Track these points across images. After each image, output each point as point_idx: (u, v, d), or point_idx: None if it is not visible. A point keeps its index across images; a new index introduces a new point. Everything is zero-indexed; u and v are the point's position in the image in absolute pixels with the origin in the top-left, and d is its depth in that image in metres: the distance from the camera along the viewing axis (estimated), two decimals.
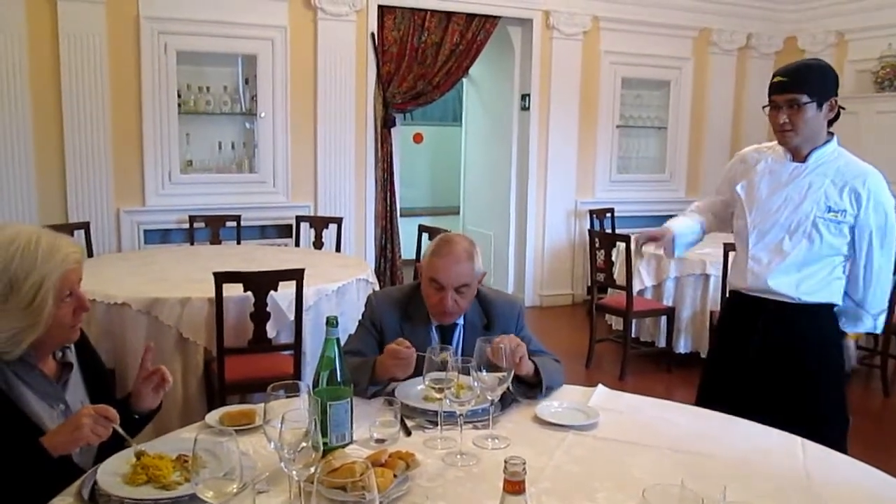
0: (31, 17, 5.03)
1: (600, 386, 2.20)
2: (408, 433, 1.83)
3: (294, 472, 1.38)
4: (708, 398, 2.64)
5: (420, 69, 6.21)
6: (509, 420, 1.94)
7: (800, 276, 2.46)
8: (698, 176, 7.55)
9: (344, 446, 1.68)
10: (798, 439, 1.85)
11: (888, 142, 5.87)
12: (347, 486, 1.33)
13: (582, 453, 1.76)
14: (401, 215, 6.53)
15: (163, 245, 5.56)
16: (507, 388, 1.83)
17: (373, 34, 6.00)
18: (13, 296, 1.59)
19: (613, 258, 5.35)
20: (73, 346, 1.83)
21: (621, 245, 4.96)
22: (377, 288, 4.23)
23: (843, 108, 2.45)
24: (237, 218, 5.46)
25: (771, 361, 2.53)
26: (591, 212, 6.78)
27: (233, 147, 5.92)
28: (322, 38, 5.84)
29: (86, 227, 4.99)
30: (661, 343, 5.24)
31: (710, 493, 1.22)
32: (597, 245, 5.24)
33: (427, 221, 5.98)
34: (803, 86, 2.34)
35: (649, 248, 2.52)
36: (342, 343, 1.79)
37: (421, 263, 2.28)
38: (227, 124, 5.89)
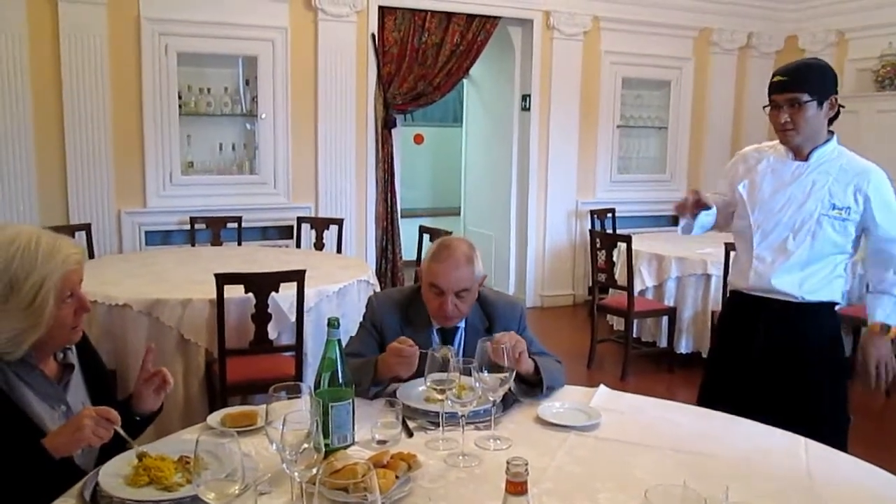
0: (32, 17, 5.03)
1: (602, 386, 2.20)
2: (409, 434, 1.83)
3: (296, 474, 1.38)
4: (709, 398, 2.64)
5: (420, 70, 6.21)
6: (511, 421, 1.94)
7: (803, 275, 2.46)
8: (699, 176, 7.54)
9: (346, 447, 1.68)
10: (800, 439, 1.85)
11: (889, 141, 5.86)
12: (349, 487, 1.33)
13: (584, 454, 1.76)
14: (401, 216, 6.53)
15: (164, 246, 5.56)
16: (509, 389, 1.83)
17: (373, 35, 6.01)
18: (14, 296, 1.59)
19: (614, 258, 5.35)
20: (74, 348, 1.83)
21: (622, 245, 4.96)
22: (378, 289, 4.23)
23: (843, 107, 2.46)
24: (238, 219, 5.46)
25: (772, 361, 2.53)
26: (592, 212, 6.78)
27: (233, 148, 5.92)
28: (322, 39, 5.85)
29: (87, 228, 5.00)
30: (663, 343, 5.24)
31: (712, 494, 1.21)
32: (598, 245, 5.24)
33: (428, 222, 5.99)
34: (803, 85, 2.35)
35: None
36: (343, 345, 1.79)
37: (421, 268, 2.28)
38: (227, 125, 5.89)
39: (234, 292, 3.30)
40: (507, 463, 1.17)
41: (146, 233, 5.56)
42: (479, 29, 6.36)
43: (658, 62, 7.19)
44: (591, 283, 5.49)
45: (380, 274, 6.22)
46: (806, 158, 2.48)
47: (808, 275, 2.46)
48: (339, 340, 1.72)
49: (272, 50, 5.72)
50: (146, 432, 1.89)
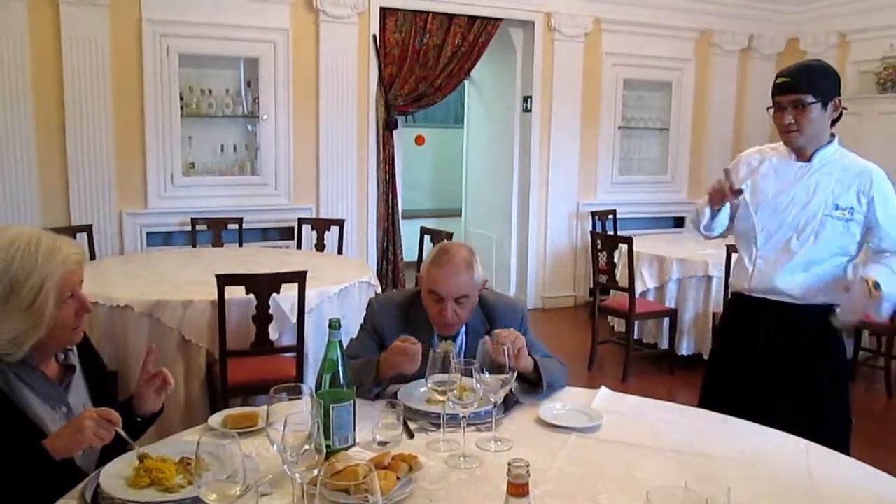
0: (34, 20, 5.04)
1: (603, 388, 2.20)
2: (410, 435, 1.83)
3: (297, 475, 1.38)
4: (711, 400, 2.64)
5: (422, 71, 6.22)
6: (512, 422, 1.94)
7: (806, 276, 2.46)
8: (700, 177, 7.53)
9: (347, 449, 1.68)
10: (802, 441, 1.85)
11: (890, 142, 5.86)
12: (351, 488, 1.33)
13: (585, 455, 1.76)
14: (402, 217, 6.53)
15: (165, 247, 5.57)
16: (510, 391, 1.83)
17: (375, 36, 6.01)
18: (14, 297, 1.59)
19: (616, 260, 5.35)
20: (75, 349, 1.83)
21: (623, 247, 4.96)
22: (379, 290, 4.23)
23: (846, 109, 2.46)
24: (239, 220, 5.46)
25: (774, 362, 2.53)
26: (593, 213, 6.78)
27: (235, 149, 5.92)
28: (324, 40, 5.85)
29: (88, 229, 5.00)
30: (664, 345, 5.23)
31: (713, 495, 1.21)
32: (599, 247, 5.23)
33: (429, 223, 5.98)
34: (808, 86, 2.36)
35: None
36: (344, 346, 1.79)
37: (420, 273, 2.26)
38: (229, 127, 5.90)
39: (236, 293, 3.30)
40: (509, 464, 1.17)
41: (147, 234, 5.56)
42: (481, 30, 6.37)
43: (659, 64, 7.19)
44: (592, 285, 5.49)
45: (381, 275, 6.23)
46: (809, 159, 2.48)
47: (811, 276, 2.46)
48: (340, 342, 1.72)
49: (273, 51, 5.72)
50: (147, 433, 1.89)
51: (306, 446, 1.36)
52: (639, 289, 5.07)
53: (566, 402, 2.05)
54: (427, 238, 5.00)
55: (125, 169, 5.42)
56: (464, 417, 1.76)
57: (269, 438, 1.45)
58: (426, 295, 2.19)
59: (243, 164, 5.91)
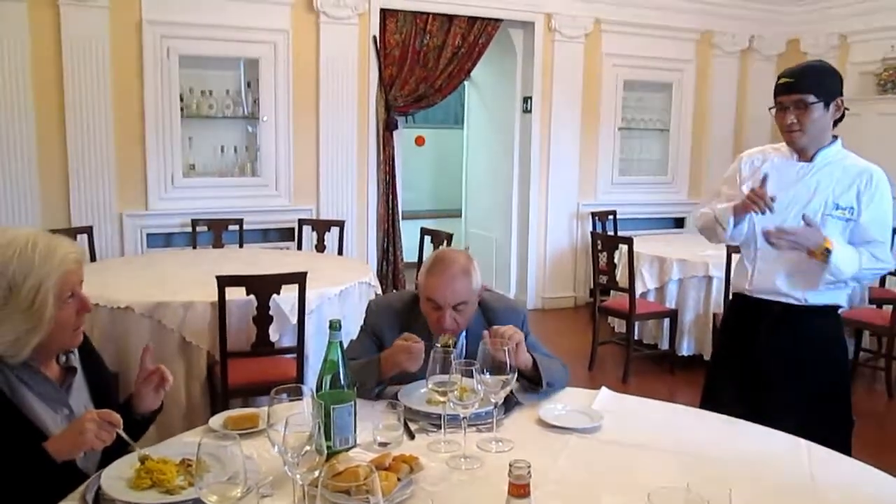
0: (34, 21, 5.04)
1: (604, 388, 2.20)
2: (411, 436, 1.83)
3: (298, 476, 1.38)
4: (712, 400, 2.64)
5: (422, 72, 6.22)
6: (513, 423, 1.94)
7: (806, 277, 2.45)
8: (700, 178, 7.54)
9: (347, 450, 1.68)
10: (803, 442, 1.85)
11: (891, 144, 5.85)
12: (352, 489, 1.33)
13: (586, 456, 1.76)
14: (403, 218, 6.53)
15: (165, 249, 5.57)
16: (510, 391, 1.82)
17: (375, 37, 6.01)
18: (13, 299, 1.59)
19: (616, 260, 5.35)
20: (76, 351, 1.83)
21: (624, 247, 4.96)
22: (379, 291, 4.23)
23: (848, 109, 2.47)
24: (239, 221, 5.47)
25: (775, 363, 2.53)
26: (593, 214, 6.78)
27: (235, 151, 5.93)
28: (324, 41, 5.85)
29: (89, 231, 5.00)
30: (664, 345, 5.23)
31: (715, 497, 1.21)
32: (599, 247, 5.23)
33: (429, 224, 5.98)
34: (810, 86, 2.37)
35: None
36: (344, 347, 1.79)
37: (418, 280, 2.25)
38: (229, 128, 5.90)
39: (236, 294, 3.30)
40: (510, 465, 1.17)
41: (148, 235, 5.56)
42: (481, 31, 6.37)
43: (660, 64, 7.19)
44: (592, 286, 5.49)
45: (381, 276, 6.23)
46: (810, 159, 2.48)
47: (812, 277, 2.45)
48: (340, 342, 1.72)
49: (274, 52, 5.72)
50: (148, 435, 1.89)
51: (307, 447, 1.36)
52: (639, 289, 5.07)
53: (567, 403, 2.05)
54: (427, 239, 4.99)
55: (125, 170, 5.42)
56: (464, 418, 1.76)
57: (270, 440, 1.45)
58: (424, 302, 2.18)
59: (243, 166, 5.91)
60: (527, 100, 6.86)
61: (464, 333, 2.23)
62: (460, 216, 8.29)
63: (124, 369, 3.32)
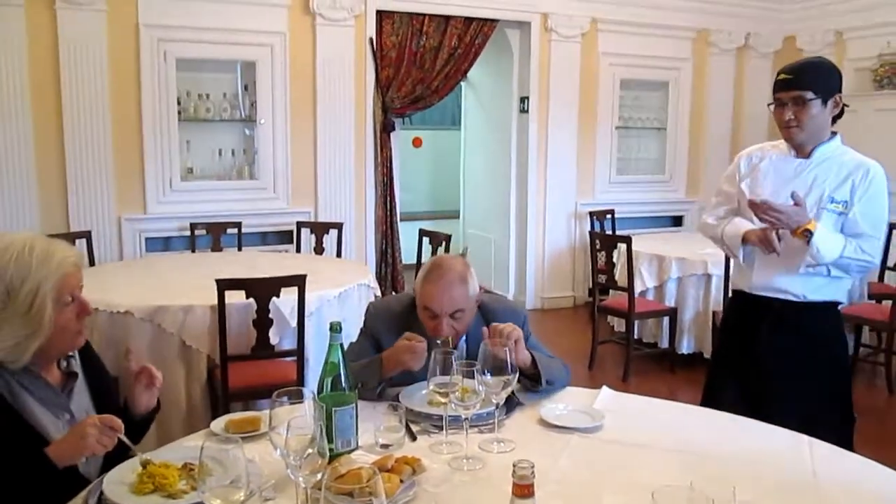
0: (31, 25, 5.03)
1: (605, 388, 2.20)
2: (413, 438, 1.83)
3: (301, 479, 1.38)
4: (713, 398, 2.65)
5: (419, 73, 6.22)
6: (514, 423, 1.93)
7: (805, 274, 2.46)
8: (698, 176, 7.55)
9: (349, 452, 1.67)
10: (804, 438, 1.85)
11: (887, 140, 5.87)
12: (355, 492, 1.32)
13: (588, 456, 1.75)
14: (401, 219, 6.53)
15: (164, 253, 5.57)
16: (511, 392, 1.82)
17: (371, 39, 6.01)
18: (11, 303, 1.59)
19: (614, 259, 5.35)
20: (77, 356, 1.83)
21: (622, 246, 4.96)
22: (378, 293, 4.23)
23: (847, 106, 2.47)
24: (238, 224, 5.46)
25: (776, 361, 2.53)
26: (592, 213, 6.78)
27: (233, 154, 5.93)
28: (321, 43, 5.85)
29: (87, 235, 5.00)
30: (664, 344, 5.23)
31: (719, 495, 1.21)
32: (597, 246, 5.23)
33: (427, 225, 5.98)
34: (808, 83, 2.37)
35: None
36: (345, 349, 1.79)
37: (415, 287, 2.23)
38: (226, 131, 5.90)
39: (235, 298, 3.30)
40: (514, 466, 1.17)
41: (146, 239, 5.56)
42: (477, 32, 6.37)
43: (656, 63, 7.19)
44: (591, 285, 5.49)
45: (380, 277, 6.22)
46: (808, 156, 2.49)
47: (811, 273, 2.45)
48: (341, 344, 1.71)
49: (271, 55, 5.72)
50: (149, 439, 1.89)
51: (309, 450, 1.36)
52: (638, 288, 5.08)
53: (568, 403, 2.05)
54: (426, 240, 4.99)
55: (124, 174, 5.42)
56: (466, 419, 1.75)
57: (272, 443, 1.45)
58: (421, 310, 2.17)
59: (241, 169, 5.90)
60: (524, 100, 6.86)
61: (464, 337, 2.22)
62: (458, 217, 8.29)
63: (124, 374, 3.32)
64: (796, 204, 2.33)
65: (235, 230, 5.44)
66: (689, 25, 7.22)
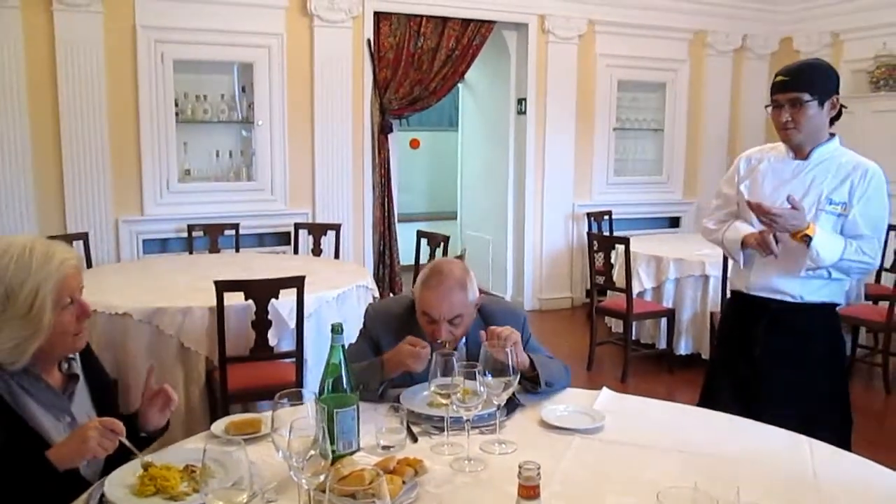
0: (28, 27, 5.02)
1: (605, 389, 2.20)
2: (414, 439, 1.83)
3: (303, 481, 1.38)
4: (711, 399, 2.65)
5: (416, 75, 6.22)
6: (515, 424, 1.94)
7: (804, 275, 2.46)
8: (695, 177, 7.56)
9: (351, 454, 1.67)
10: (804, 439, 1.85)
11: (884, 141, 5.89)
12: (358, 493, 1.32)
13: (590, 457, 1.76)
14: (398, 221, 6.53)
15: (162, 254, 5.55)
16: (512, 393, 1.82)
17: (369, 41, 6.01)
18: (11, 305, 1.59)
19: (612, 260, 5.35)
20: (78, 358, 1.83)
21: (620, 247, 4.97)
22: (377, 294, 4.23)
23: (845, 107, 2.48)
24: (235, 226, 5.46)
25: (774, 362, 2.53)
26: (589, 214, 6.78)
27: (230, 155, 5.92)
28: (318, 45, 5.85)
29: (84, 237, 4.97)
30: (662, 345, 5.24)
31: (721, 495, 1.21)
32: (595, 248, 5.24)
33: (425, 227, 5.99)
34: (805, 84, 2.38)
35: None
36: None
37: (413, 292, 2.22)
38: (224, 132, 5.89)
39: (234, 299, 3.29)
40: (520, 467, 1.17)
41: (144, 241, 5.55)
42: (475, 33, 6.37)
43: (653, 64, 7.21)
44: (588, 286, 5.49)
45: (378, 279, 6.22)
46: (806, 157, 2.50)
47: (809, 275, 2.46)
48: (342, 346, 1.71)
49: (268, 56, 5.72)
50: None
51: (312, 452, 1.36)
52: (636, 289, 5.08)
53: (569, 404, 2.05)
54: (424, 241, 4.99)
55: (121, 176, 5.41)
56: (467, 420, 1.75)
57: (274, 445, 1.45)
58: (420, 315, 2.16)
59: (239, 170, 5.90)
60: (521, 101, 6.86)
61: (464, 340, 2.22)
62: (456, 218, 8.29)
63: (123, 376, 3.32)
64: (793, 207, 2.34)
65: (233, 232, 5.44)
66: (686, 27, 7.24)
